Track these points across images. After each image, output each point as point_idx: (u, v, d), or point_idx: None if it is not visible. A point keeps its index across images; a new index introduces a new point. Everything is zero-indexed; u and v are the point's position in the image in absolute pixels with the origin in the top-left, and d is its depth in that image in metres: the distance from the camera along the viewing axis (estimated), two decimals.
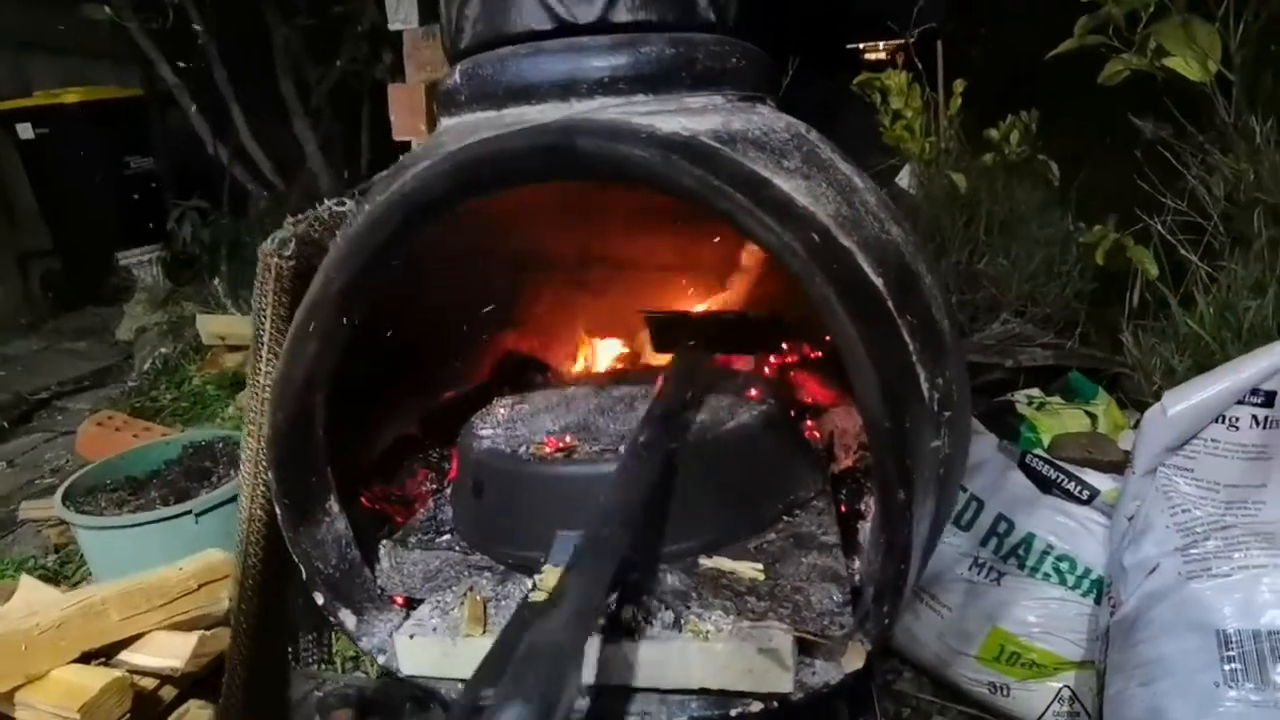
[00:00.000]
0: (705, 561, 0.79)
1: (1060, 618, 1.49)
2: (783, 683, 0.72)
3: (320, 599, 0.84)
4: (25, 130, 4.86)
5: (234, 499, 2.16)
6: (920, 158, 2.66)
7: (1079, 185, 2.59)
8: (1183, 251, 1.71)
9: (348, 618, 0.85)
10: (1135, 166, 2.05)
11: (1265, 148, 1.55)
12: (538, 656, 0.51)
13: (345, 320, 0.74)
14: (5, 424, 3.71)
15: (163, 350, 4.31)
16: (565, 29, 0.77)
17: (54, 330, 5.33)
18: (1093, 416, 1.71)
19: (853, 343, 0.64)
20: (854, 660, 0.75)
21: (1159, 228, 1.76)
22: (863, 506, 0.90)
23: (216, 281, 4.61)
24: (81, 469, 2.95)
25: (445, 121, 0.85)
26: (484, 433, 0.89)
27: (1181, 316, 1.63)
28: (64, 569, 2.46)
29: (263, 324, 0.82)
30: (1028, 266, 2.50)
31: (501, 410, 0.97)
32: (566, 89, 0.75)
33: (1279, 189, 1.54)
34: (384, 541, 0.89)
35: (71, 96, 4.80)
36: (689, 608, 0.75)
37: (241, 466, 0.87)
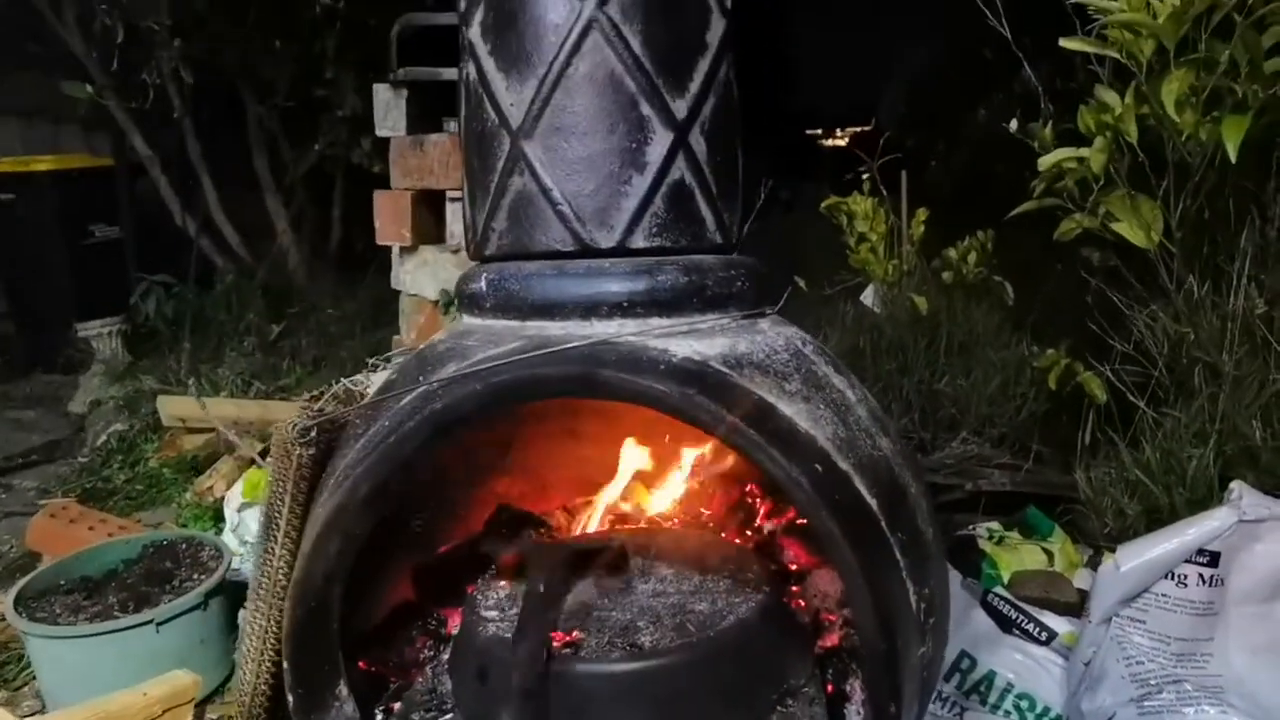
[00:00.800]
0: None
1: None
2: None
3: None
4: None
5: (197, 607, 2.13)
6: (884, 279, 2.79)
7: (1033, 308, 2.74)
8: (1130, 397, 1.82)
9: None
10: (1086, 292, 2.20)
11: (1202, 310, 1.69)
12: None
13: (367, 520, 0.78)
14: None
15: (118, 426, 4.21)
16: (586, 252, 0.84)
17: (2, 397, 5.18)
18: (1049, 553, 1.79)
19: (852, 571, 0.70)
20: None
21: (1108, 372, 1.88)
22: (848, 688, 0.94)
23: (178, 357, 4.56)
24: (30, 564, 2.86)
25: (470, 321, 0.91)
26: (488, 615, 0.92)
27: (1130, 463, 1.73)
28: (4, 670, 2.36)
29: (280, 508, 0.85)
30: (986, 388, 2.62)
31: (503, 584, 1.00)
32: (588, 310, 0.82)
33: (1216, 350, 1.66)
34: (389, 716, 0.91)
35: (41, 165, 4.79)
36: None
37: (247, 640, 0.88)
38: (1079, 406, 2.24)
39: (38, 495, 3.75)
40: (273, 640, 0.87)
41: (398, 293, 3.06)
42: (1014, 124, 1.85)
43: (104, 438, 4.16)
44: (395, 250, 2.77)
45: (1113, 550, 1.49)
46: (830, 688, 0.96)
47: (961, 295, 2.83)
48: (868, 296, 2.87)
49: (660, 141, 0.84)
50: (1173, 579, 1.38)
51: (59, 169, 4.86)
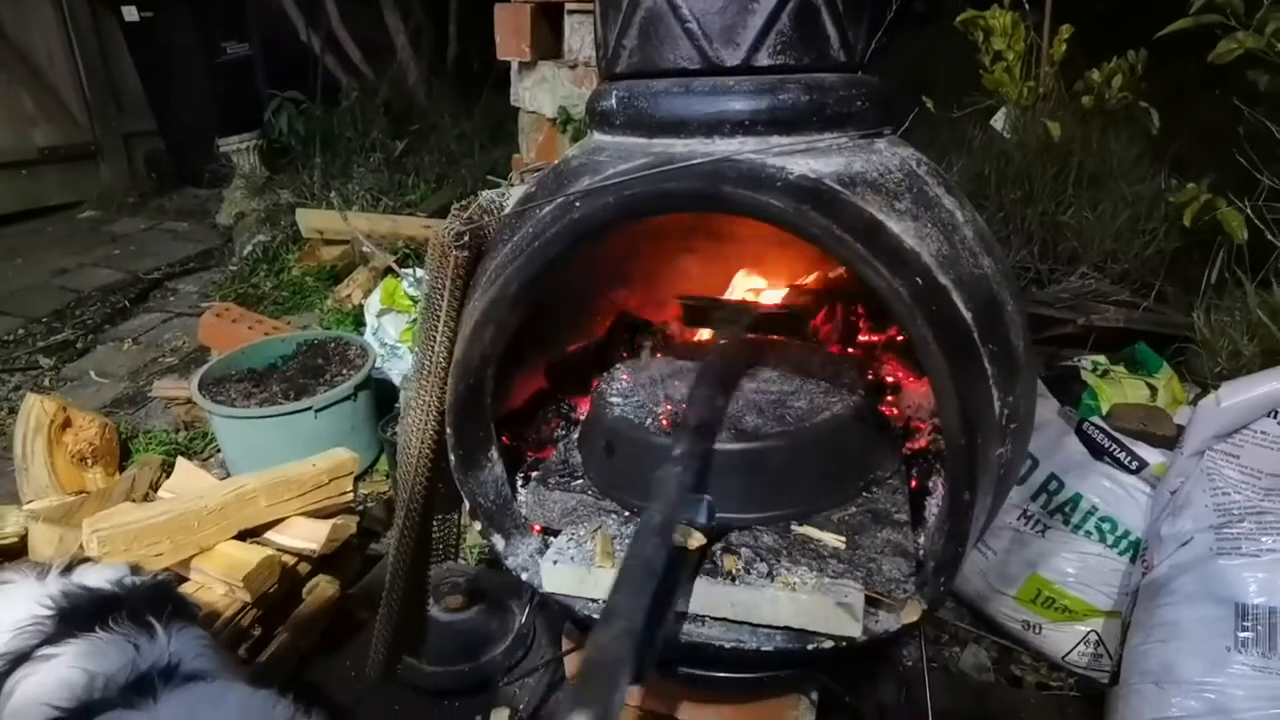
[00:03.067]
0: (796, 528, 0.96)
1: (1096, 571, 1.65)
2: (852, 629, 0.90)
3: (479, 526, 1.04)
4: (130, 13, 5.01)
5: (348, 398, 2.41)
6: (1017, 103, 2.64)
7: (1179, 139, 2.56)
8: (1269, 236, 1.75)
9: (498, 541, 1.05)
10: (1240, 123, 2.04)
11: None
12: (593, 671, 0.64)
13: (516, 312, 0.91)
14: (127, 302, 4.04)
15: (261, 237, 4.56)
16: (712, 69, 0.89)
17: (158, 209, 5.64)
18: (1153, 388, 1.80)
19: (943, 376, 0.78)
20: (911, 615, 0.93)
21: (1247, 209, 1.79)
22: (931, 484, 1.05)
23: (310, 172, 4.80)
24: (203, 355, 3.26)
25: (600, 137, 0.98)
26: (614, 400, 1.06)
27: (1255, 303, 1.69)
28: (192, 445, 2.77)
29: (439, 302, 0.98)
30: (1113, 222, 2.52)
31: (625, 377, 1.13)
32: (711, 128, 0.87)
33: None
34: (528, 481, 1.08)
35: None
36: (780, 563, 0.93)
37: (411, 414, 1.05)
38: (1210, 247, 2.14)
39: (199, 299, 4.20)
40: (435, 414, 1.03)
41: (513, 112, 3.11)
42: None
43: (250, 248, 4.53)
44: (514, 66, 2.79)
45: (1218, 388, 1.50)
46: (914, 483, 1.07)
47: (1100, 122, 2.66)
48: (998, 121, 2.73)
49: None
50: (1274, 417, 1.40)
51: None
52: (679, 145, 0.89)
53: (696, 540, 0.90)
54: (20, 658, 1.23)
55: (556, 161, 1.02)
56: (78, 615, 1.28)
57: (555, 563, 0.97)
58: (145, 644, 1.23)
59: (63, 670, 1.17)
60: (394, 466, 2.35)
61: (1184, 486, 1.49)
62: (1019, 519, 1.73)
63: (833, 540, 0.93)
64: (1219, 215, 2.01)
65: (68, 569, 1.40)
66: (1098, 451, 1.68)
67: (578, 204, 0.86)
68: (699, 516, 0.93)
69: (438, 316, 0.98)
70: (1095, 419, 1.72)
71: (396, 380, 2.77)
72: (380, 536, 2.21)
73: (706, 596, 0.91)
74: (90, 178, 5.63)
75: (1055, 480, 1.70)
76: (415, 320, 2.77)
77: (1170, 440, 1.66)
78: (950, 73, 3.09)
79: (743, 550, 0.94)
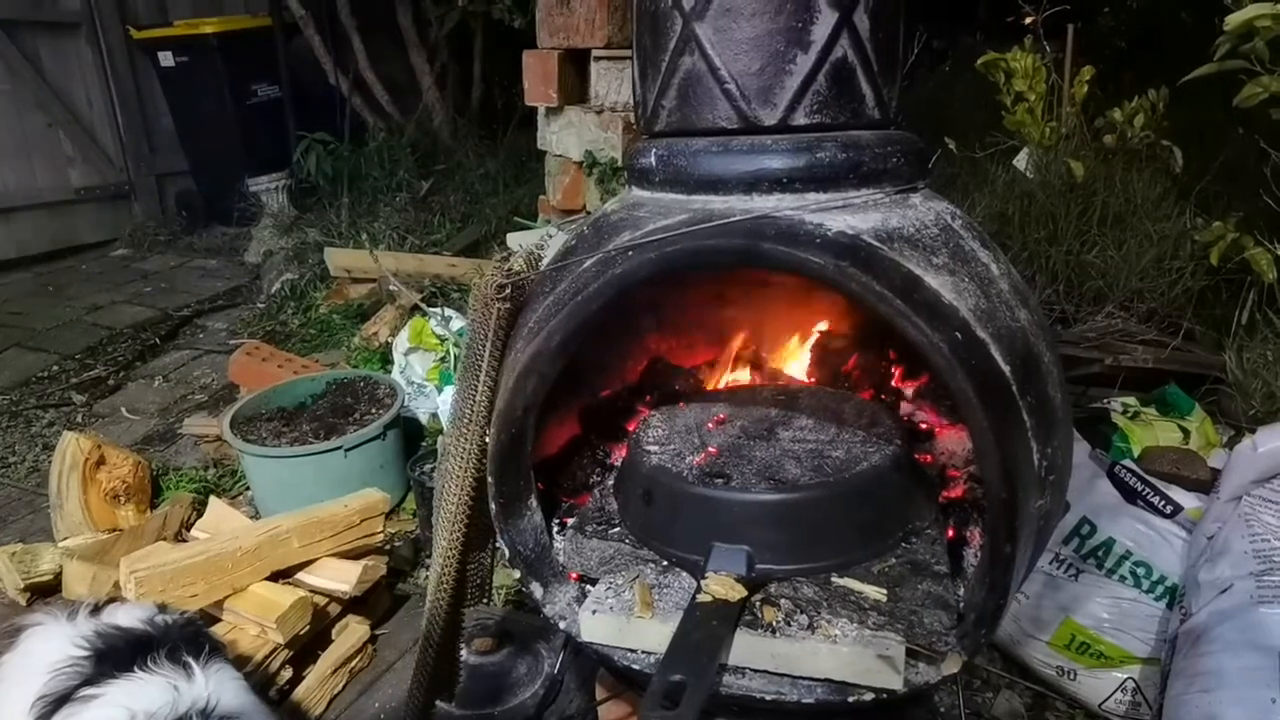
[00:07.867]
0: (837, 580, 0.96)
1: (1131, 616, 1.62)
2: (893, 682, 0.89)
3: (518, 573, 1.05)
4: (166, 58, 5.16)
5: (378, 437, 2.42)
6: (1040, 143, 2.66)
7: (1204, 177, 2.57)
8: None
9: (536, 589, 1.06)
10: (1265, 161, 2.04)
11: None
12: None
13: (558, 363, 0.93)
14: (157, 339, 4.11)
15: (289, 275, 4.63)
16: (750, 128, 0.91)
17: (188, 247, 5.75)
18: (1186, 431, 1.79)
19: (983, 429, 0.78)
20: (951, 666, 0.92)
21: (1277, 250, 1.79)
22: (968, 534, 1.05)
23: (337, 211, 4.89)
24: (232, 392, 3.30)
25: (639, 193, 1.00)
26: (651, 449, 1.08)
27: None
28: (221, 482, 2.80)
29: (481, 353, 1.00)
30: (1138, 260, 2.52)
31: (660, 427, 1.15)
32: (749, 185, 0.89)
33: None
34: (564, 528, 1.10)
35: (208, 27, 5.07)
36: (820, 615, 0.93)
37: (450, 460, 1.07)
38: (1240, 284, 2.14)
39: (228, 336, 4.26)
40: (474, 461, 1.05)
41: (536, 150, 3.15)
42: None
43: (277, 285, 4.60)
44: (541, 111, 2.85)
45: (1254, 431, 1.49)
46: (951, 532, 1.07)
47: (1123, 160, 2.67)
48: (1021, 161, 2.75)
49: (825, 21, 0.87)
50: None
51: (224, 30, 5.12)
52: (718, 202, 0.91)
53: (737, 592, 0.91)
54: (61, 699, 1.25)
55: (595, 214, 1.04)
56: (114, 655, 1.30)
57: (594, 612, 0.98)
58: (184, 684, 1.24)
59: (107, 710, 1.18)
60: (421, 504, 2.36)
61: (1221, 532, 1.48)
62: (1051, 563, 1.71)
63: (874, 593, 0.93)
64: (1248, 255, 2.01)
65: (96, 610, 1.42)
66: (1130, 495, 1.67)
67: (619, 259, 0.88)
68: (739, 568, 0.93)
69: (479, 366, 1.00)
70: (1127, 462, 1.71)
71: (424, 419, 2.79)
72: (407, 575, 2.22)
73: (747, 648, 0.92)
74: (123, 216, 5.76)
75: (1088, 524, 1.69)
76: (442, 358, 2.80)
77: (1204, 484, 1.64)
78: (970, 105, 3.12)
79: (783, 602, 0.94)
